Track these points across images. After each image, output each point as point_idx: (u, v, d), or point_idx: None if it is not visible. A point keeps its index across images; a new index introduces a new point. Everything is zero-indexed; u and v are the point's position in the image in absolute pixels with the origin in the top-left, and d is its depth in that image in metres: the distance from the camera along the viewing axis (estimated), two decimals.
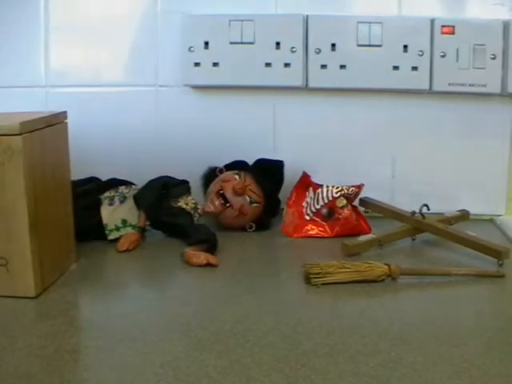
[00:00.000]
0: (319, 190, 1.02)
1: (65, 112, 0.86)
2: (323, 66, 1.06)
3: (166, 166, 1.09)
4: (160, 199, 0.99)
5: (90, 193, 0.98)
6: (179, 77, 1.09)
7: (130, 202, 0.99)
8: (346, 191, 1.01)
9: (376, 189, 1.06)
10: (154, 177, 1.02)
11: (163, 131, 1.11)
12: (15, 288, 0.76)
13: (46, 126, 0.79)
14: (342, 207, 1.01)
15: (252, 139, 1.10)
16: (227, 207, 1.01)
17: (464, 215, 1.06)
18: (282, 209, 1.04)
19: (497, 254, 0.87)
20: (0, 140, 0.73)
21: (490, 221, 1.09)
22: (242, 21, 1.06)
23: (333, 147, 1.10)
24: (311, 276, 0.81)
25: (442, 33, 1.03)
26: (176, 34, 1.08)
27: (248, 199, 1.01)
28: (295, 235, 1.01)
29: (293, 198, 1.02)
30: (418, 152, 1.10)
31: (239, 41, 1.06)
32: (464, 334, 0.68)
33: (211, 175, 1.06)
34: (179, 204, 1.00)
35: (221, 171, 1.06)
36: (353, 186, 1.02)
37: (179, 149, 1.11)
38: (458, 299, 0.78)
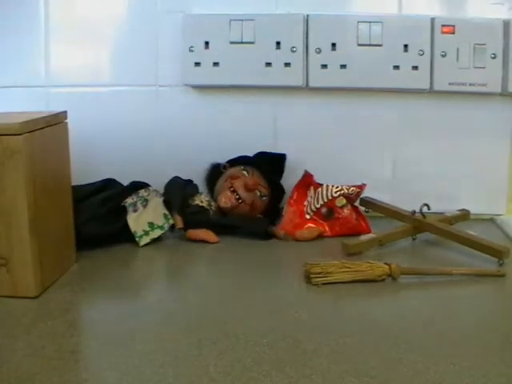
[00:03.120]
0: (319, 189, 1.02)
1: (65, 112, 0.86)
2: (323, 66, 1.06)
3: (166, 165, 1.09)
4: (185, 199, 1.00)
5: (113, 198, 0.97)
6: (179, 77, 1.09)
7: (153, 204, 0.99)
8: (345, 191, 1.01)
9: (376, 188, 1.06)
10: (154, 176, 1.02)
11: (163, 131, 1.11)
12: (15, 288, 0.76)
13: (46, 126, 0.79)
14: (341, 207, 1.01)
15: (252, 139, 1.10)
16: (240, 203, 1.02)
17: (464, 215, 1.06)
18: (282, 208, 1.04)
19: (497, 253, 0.87)
20: (0, 140, 0.73)
21: (491, 220, 1.09)
22: (242, 20, 1.05)
23: (333, 147, 1.10)
24: (312, 275, 0.81)
25: (443, 32, 1.03)
26: (176, 34, 1.08)
27: (258, 194, 1.03)
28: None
29: (294, 197, 1.02)
30: (418, 151, 1.09)
31: (239, 40, 1.06)
32: (464, 333, 0.68)
33: (215, 172, 1.07)
34: (196, 202, 1.01)
35: (225, 167, 1.06)
36: (354, 186, 1.02)
37: (179, 148, 1.11)
38: (459, 299, 0.78)
